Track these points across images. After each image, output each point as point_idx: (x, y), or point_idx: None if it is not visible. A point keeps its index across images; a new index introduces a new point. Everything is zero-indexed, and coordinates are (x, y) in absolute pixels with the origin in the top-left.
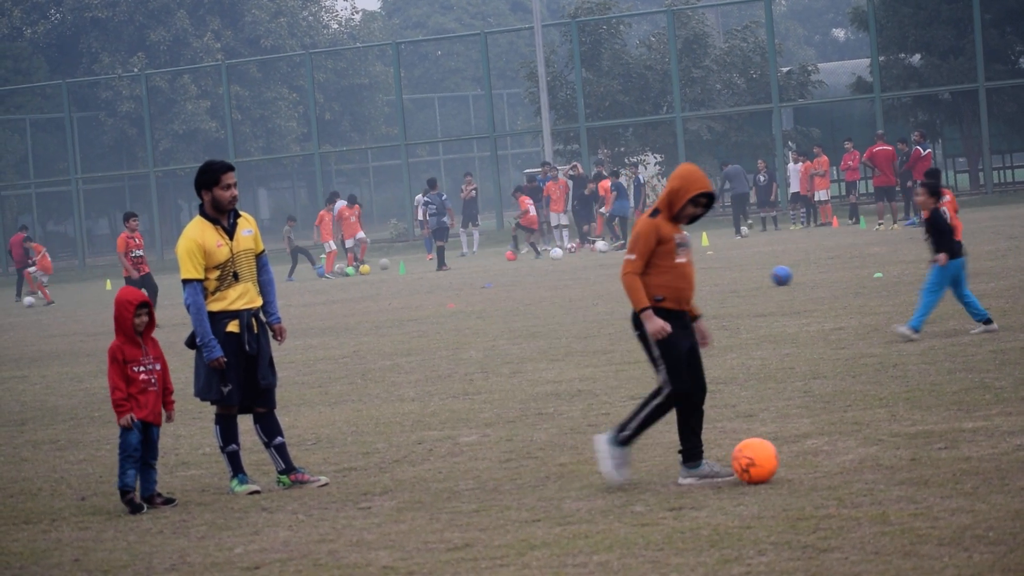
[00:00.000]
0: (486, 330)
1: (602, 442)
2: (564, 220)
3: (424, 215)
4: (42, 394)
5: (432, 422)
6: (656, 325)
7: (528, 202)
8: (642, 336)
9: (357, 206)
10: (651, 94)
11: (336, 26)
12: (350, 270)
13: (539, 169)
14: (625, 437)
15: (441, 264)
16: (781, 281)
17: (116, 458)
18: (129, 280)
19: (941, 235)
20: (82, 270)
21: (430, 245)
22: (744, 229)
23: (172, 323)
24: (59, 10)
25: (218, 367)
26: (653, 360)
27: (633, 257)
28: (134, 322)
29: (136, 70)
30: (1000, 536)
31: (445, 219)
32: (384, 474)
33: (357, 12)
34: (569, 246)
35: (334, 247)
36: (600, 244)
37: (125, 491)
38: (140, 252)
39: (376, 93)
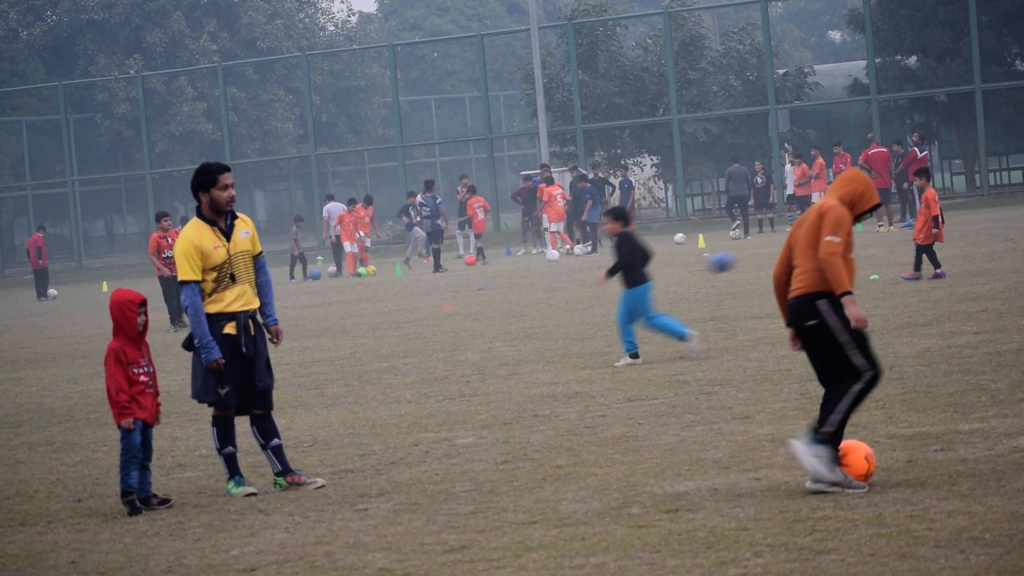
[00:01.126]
0: (483, 332)
1: (800, 445)
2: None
3: (419, 217)
4: (38, 396)
5: (429, 424)
6: (859, 312)
7: (476, 205)
8: (819, 326)
9: (372, 208)
10: (647, 96)
11: (332, 28)
12: (362, 271)
13: (537, 171)
14: (827, 434)
15: (437, 266)
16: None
17: (113, 460)
18: (163, 279)
19: (620, 261)
20: (78, 272)
21: (427, 247)
22: (732, 232)
23: (166, 326)
24: (55, 12)
25: (216, 369)
26: (841, 345)
27: (839, 239)
28: (137, 321)
29: (132, 72)
30: (996, 538)
31: (439, 222)
32: (381, 476)
33: (353, 14)
34: (566, 248)
35: (354, 248)
36: (552, 254)
37: (128, 492)
38: (172, 253)
39: (372, 95)
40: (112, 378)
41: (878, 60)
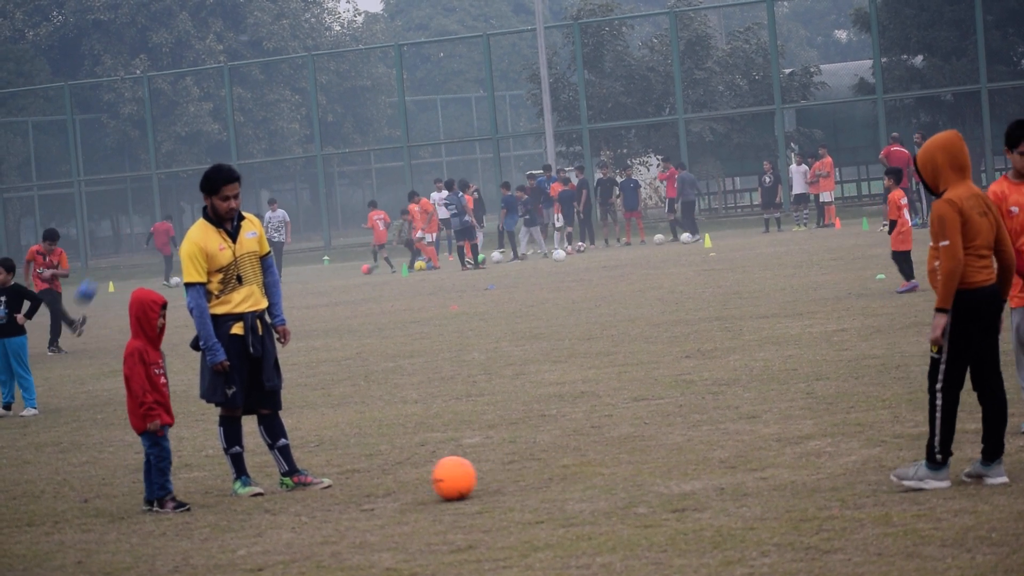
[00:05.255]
0: (489, 332)
1: (923, 476)
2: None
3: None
4: (44, 396)
5: (435, 424)
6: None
7: (375, 218)
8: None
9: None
10: (653, 96)
11: (338, 28)
12: (481, 256)
13: (539, 171)
14: (938, 457)
15: (465, 263)
16: (83, 295)
17: (120, 460)
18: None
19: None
20: (85, 272)
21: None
22: (686, 235)
23: (175, 325)
24: (61, 12)
25: (221, 371)
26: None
27: (947, 241)
28: (157, 323)
29: (138, 72)
30: (1003, 537)
31: (467, 219)
32: (387, 476)
33: (359, 14)
34: (578, 245)
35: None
36: (558, 253)
37: (168, 497)
38: (49, 271)
39: (378, 95)
40: (138, 379)
41: (884, 59)
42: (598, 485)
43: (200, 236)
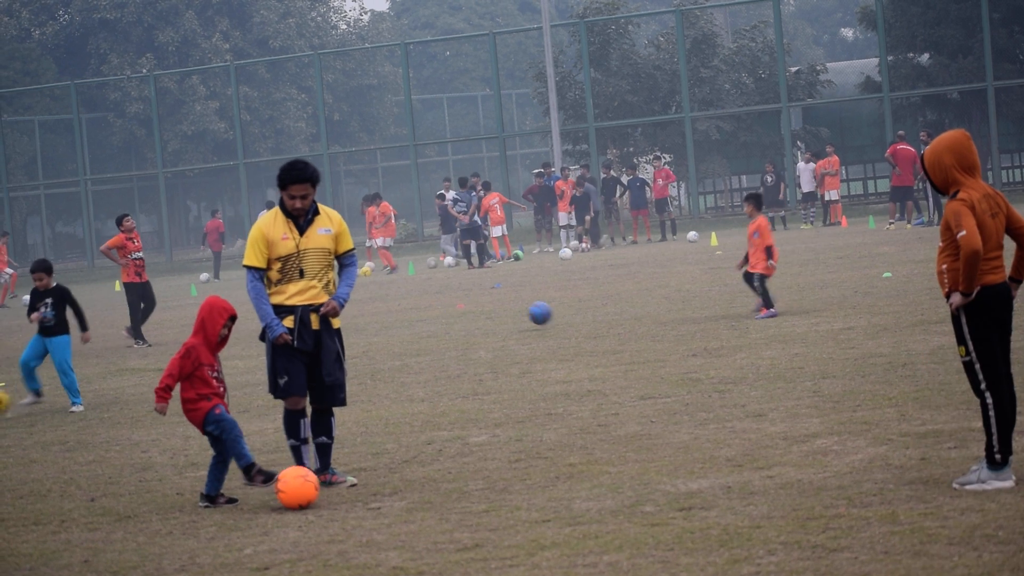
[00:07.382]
0: (495, 330)
1: (984, 479)
2: (569, 220)
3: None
4: (50, 395)
5: (442, 422)
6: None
7: None
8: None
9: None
10: (660, 94)
11: (345, 27)
12: (519, 253)
13: (541, 168)
14: (997, 457)
15: (481, 262)
16: (538, 319)
17: (126, 459)
18: (130, 285)
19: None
20: (91, 271)
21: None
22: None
23: (164, 324)
24: (67, 11)
25: (283, 343)
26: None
27: (963, 231)
28: (220, 331)
29: (145, 71)
30: (1010, 535)
31: (476, 218)
32: (394, 474)
33: (366, 13)
34: (583, 244)
35: (500, 233)
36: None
37: (250, 465)
38: (141, 254)
39: (385, 93)
40: (170, 363)
41: (890, 57)
42: (605, 484)
43: (267, 223)
